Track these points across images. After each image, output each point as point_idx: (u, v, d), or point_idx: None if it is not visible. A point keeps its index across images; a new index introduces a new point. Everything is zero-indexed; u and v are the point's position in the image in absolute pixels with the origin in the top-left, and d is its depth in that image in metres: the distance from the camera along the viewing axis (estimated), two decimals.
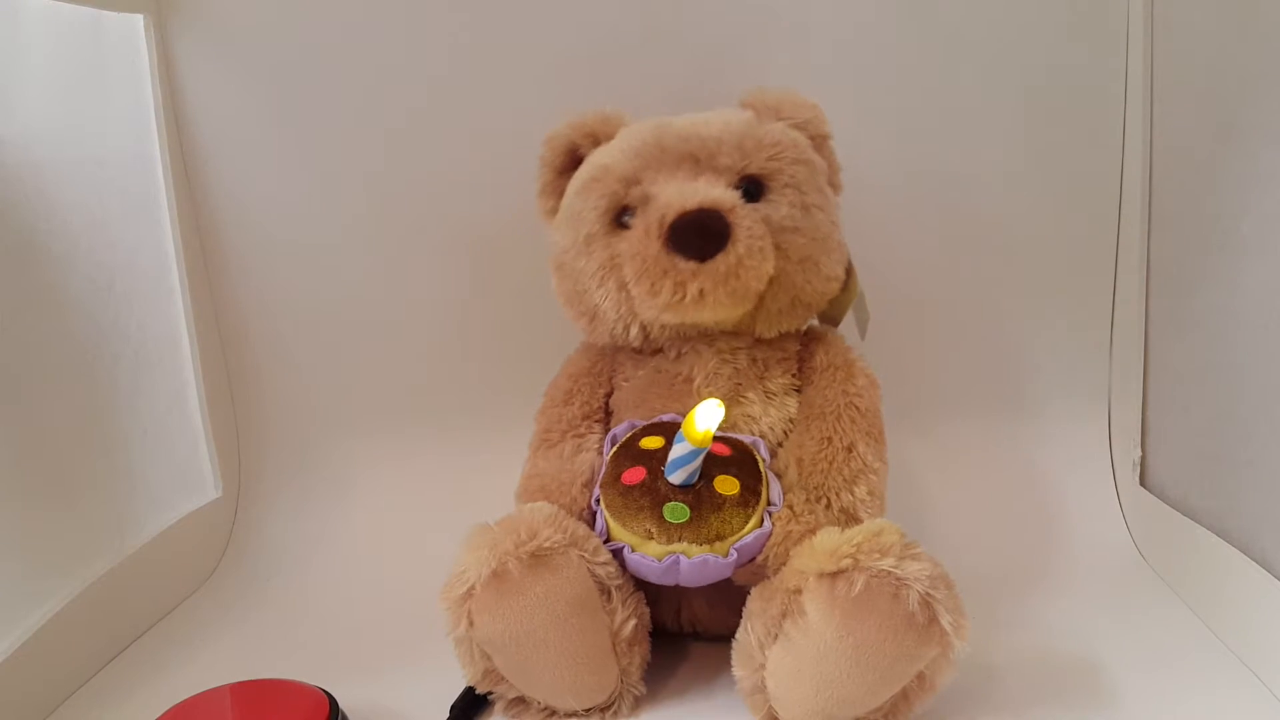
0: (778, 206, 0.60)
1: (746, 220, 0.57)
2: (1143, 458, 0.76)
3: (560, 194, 0.65)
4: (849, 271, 0.64)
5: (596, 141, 0.64)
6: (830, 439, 0.59)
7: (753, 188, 0.60)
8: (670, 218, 0.56)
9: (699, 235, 0.56)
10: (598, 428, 0.64)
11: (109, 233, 0.71)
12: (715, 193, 0.57)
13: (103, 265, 0.70)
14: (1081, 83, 0.75)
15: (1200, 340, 0.67)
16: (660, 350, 0.64)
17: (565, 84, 0.76)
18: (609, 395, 0.66)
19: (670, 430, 0.57)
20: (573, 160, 0.65)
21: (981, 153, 0.77)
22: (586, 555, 0.53)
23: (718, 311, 0.58)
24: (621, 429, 0.61)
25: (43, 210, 0.65)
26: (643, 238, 0.57)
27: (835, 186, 0.65)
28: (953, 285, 0.79)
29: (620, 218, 0.60)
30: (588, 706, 0.55)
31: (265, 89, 0.78)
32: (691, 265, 0.56)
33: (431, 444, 0.83)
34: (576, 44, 0.76)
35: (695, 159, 0.60)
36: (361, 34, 0.77)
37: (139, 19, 0.74)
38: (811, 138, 0.63)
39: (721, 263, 0.56)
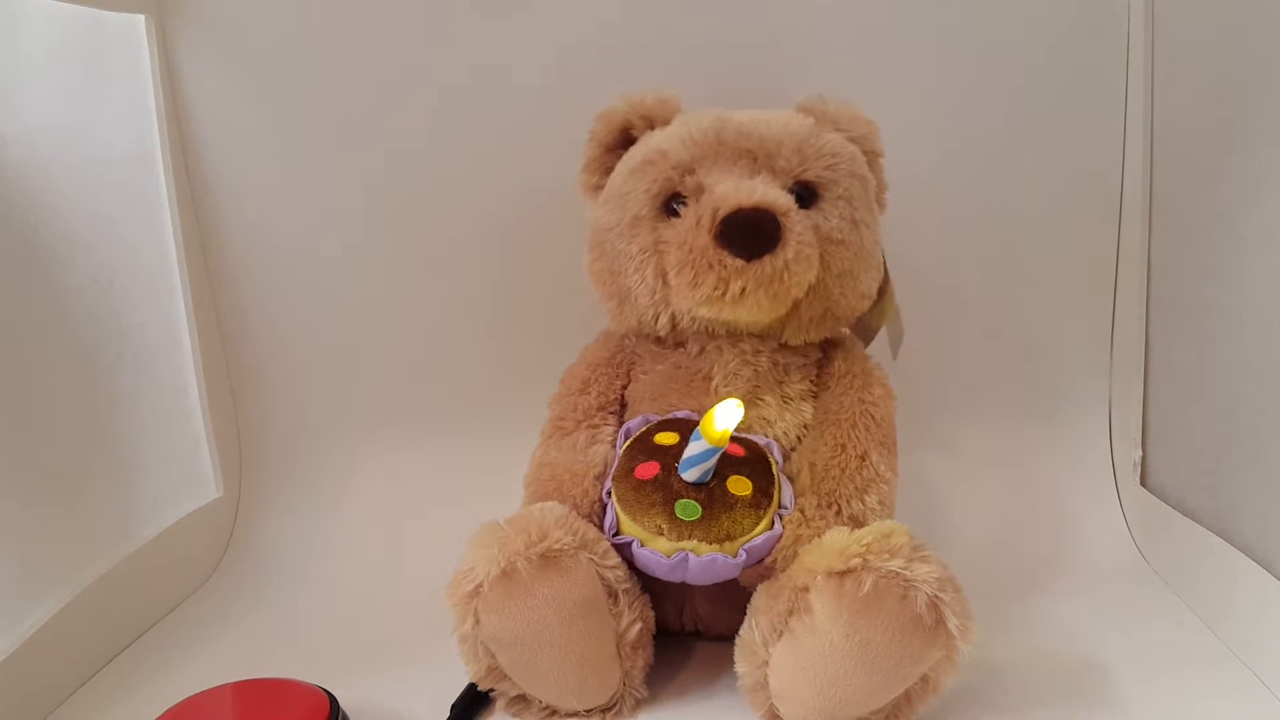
0: (828, 217, 0.60)
1: (798, 226, 0.57)
2: (1143, 458, 0.76)
3: (605, 170, 0.65)
4: (883, 289, 0.65)
5: (651, 124, 0.64)
6: (844, 446, 0.60)
7: (805, 194, 0.60)
8: (724, 212, 0.56)
9: (750, 234, 0.56)
10: (613, 419, 0.64)
11: (110, 232, 0.71)
12: (772, 194, 0.57)
13: (104, 264, 0.70)
14: (1082, 83, 0.76)
15: (1201, 340, 0.67)
16: (682, 345, 0.64)
17: (570, 83, 0.76)
18: (625, 387, 0.66)
19: (685, 427, 0.57)
20: (623, 138, 0.65)
21: (981, 153, 0.77)
22: (595, 558, 0.53)
23: (754, 313, 0.58)
24: (636, 423, 0.61)
25: (44, 210, 0.64)
26: (692, 228, 0.57)
27: (880, 205, 0.65)
28: (952, 285, 0.80)
29: (670, 204, 0.60)
30: (589, 707, 0.55)
31: (266, 88, 0.78)
32: (738, 263, 0.56)
33: (432, 443, 0.82)
34: (581, 45, 0.76)
35: (753, 156, 0.60)
36: (362, 33, 0.77)
37: (140, 19, 0.74)
38: (864, 153, 0.63)
39: (768, 265, 0.56)
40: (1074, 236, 0.78)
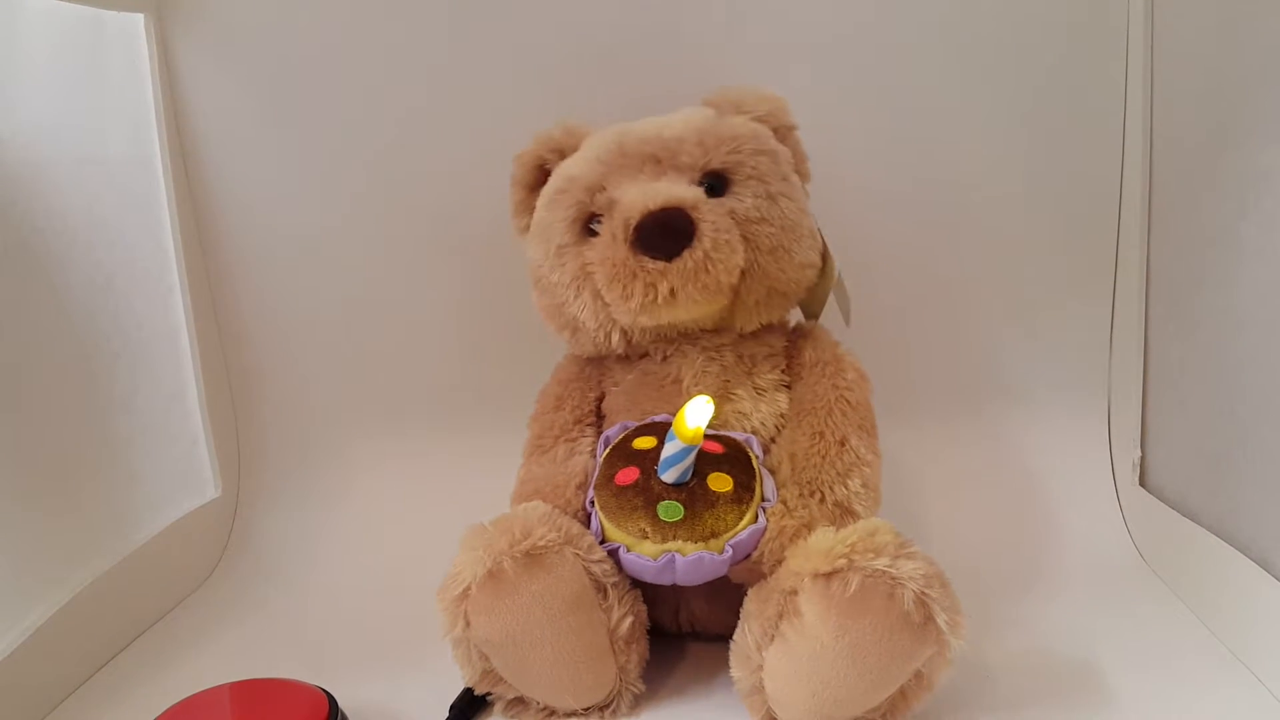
0: (742, 199, 0.59)
1: (711, 215, 0.57)
2: (1142, 458, 0.76)
3: (531, 211, 0.65)
4: (825, 258, 0.64)
5: (563, 155, 0.64)
6: (822, 433, 0.59)
7: (716, 183, 0.60)
8: (634, 219, 0.56)
9: (664, 234, 0.56)
10: (590, 431, 0.65)
11: (108, 231, 0.71)
12: (677, 190, 0.57)
13: (102, 263, 0.70)
14: (1081, 83, 0.75)
15: (1200, 340, 0.67)
16: (647, 353, 0.64)
17: (568, 83, 0.76)
18: (600, 399, 0.66)
19: (662, 430, 0.57)
20: (542, 176, 0.65)
21: (982, 152, 0.77)
22: (581, 553, 0.53)
23: (691, 309, 0.59)
24: (614, 431, 0.61)
25: (42, 209, 0.65)
26: (610, 243, 0.57)
27: (803, 175, 0.65)
28: (952, 285, 0.79)
29: (589, 226, 0.61)
30: (586, 705, 0.55)
31: (265, 87, 0.78)
32: (660, 265, 0.56)
33: (431, 443, 0.83)
34: (580, 44, 0.76)
35: (657, 160, 0.60)
36: (361, 33, 0.77)
37: (139, 18, 0.74)
38: (775, 129, 0.63)
39: (689, 259, 0.56)
40: (1073, 236, 0.78)
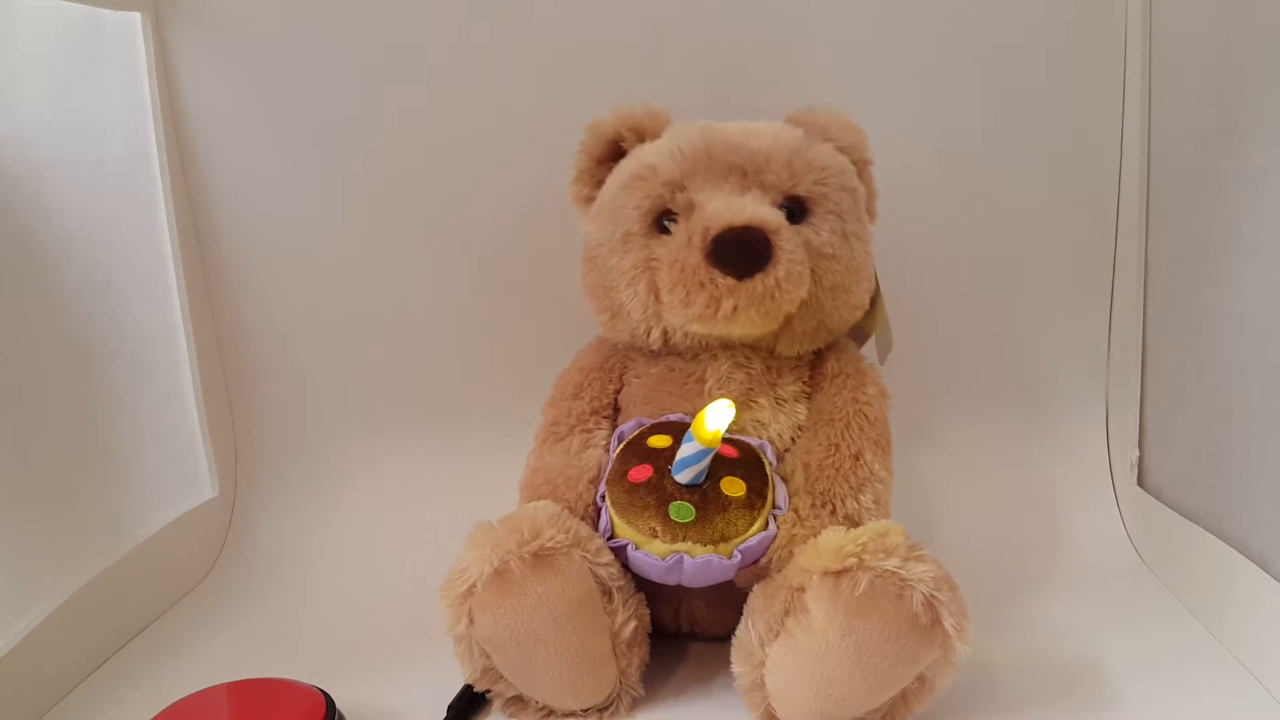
0: (819, 231, 0.60)
1: (789, 244, 0.57)
2: (1140, 458, 0.76)
3: (596, 183, 0.65)
4: (874, 299, 0.65)
5: (641, 136, 0.64)
6: (838, 446, 0.59)
7: (796, 208, 0.60)
8: (715, 231, 0.56)
9: (741, 253, 0.56)
10: (606, 423, 0.64)
11: (106, 231, 0.71)
12: (762, 211, 0.57)
13: (99, 263, 0.70)
14: (1081, 83, 0.75)
15: (1198, 341, 0.67)
16: (675, 351, 0.64)
17: (567, 82, 0.76)
18: (619, 391, 0.66)
19: (678, 430, 0.57)
20: (613, 150, 0.65)
21: (980, 154, 0.77)
22: (589, 556, 0.53)
23: (746, 329, 0.59)
24: (629, 426, 0.61)
25: (39, 209, 0.64)
26: (684, 246, 0.57)
27: (870, 214, 0.65)
28: (951, 286, 0.80)
29: (661, 220, 0.60)
30: (585, 707, 0.55)
31: (263, 87, 0.78)
32: (729, 282, 0.56)
33: (429, 442, 0.82)
34: (579, 42, 0.76)
35: (743, 171, 0.60)
36: (360, 31, 0.77)
37: (136, 17, 0.74)
38: (854, 162, 0.63)
39: (760, 283, 0.56)
40: (1071, 237, 0.78)
